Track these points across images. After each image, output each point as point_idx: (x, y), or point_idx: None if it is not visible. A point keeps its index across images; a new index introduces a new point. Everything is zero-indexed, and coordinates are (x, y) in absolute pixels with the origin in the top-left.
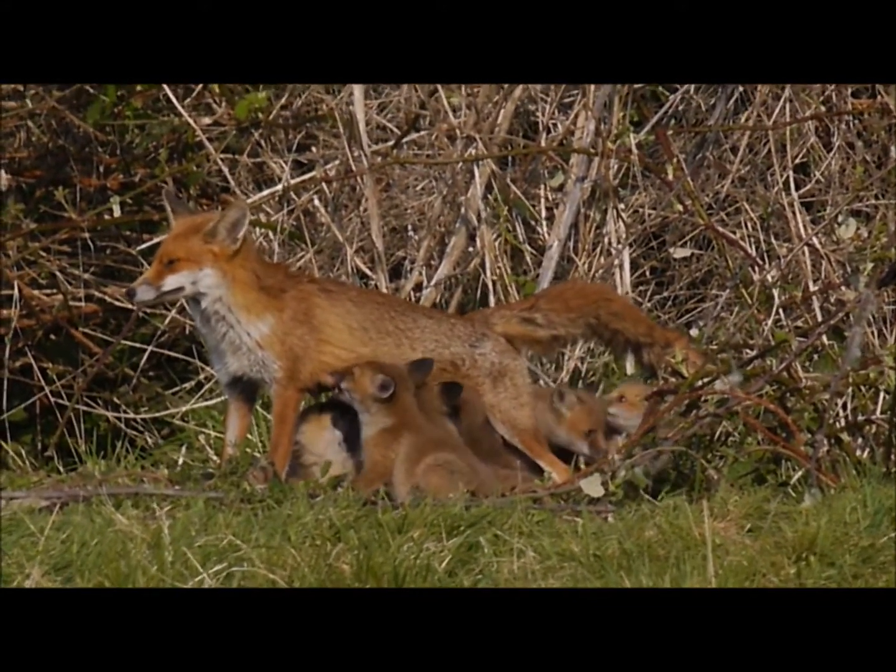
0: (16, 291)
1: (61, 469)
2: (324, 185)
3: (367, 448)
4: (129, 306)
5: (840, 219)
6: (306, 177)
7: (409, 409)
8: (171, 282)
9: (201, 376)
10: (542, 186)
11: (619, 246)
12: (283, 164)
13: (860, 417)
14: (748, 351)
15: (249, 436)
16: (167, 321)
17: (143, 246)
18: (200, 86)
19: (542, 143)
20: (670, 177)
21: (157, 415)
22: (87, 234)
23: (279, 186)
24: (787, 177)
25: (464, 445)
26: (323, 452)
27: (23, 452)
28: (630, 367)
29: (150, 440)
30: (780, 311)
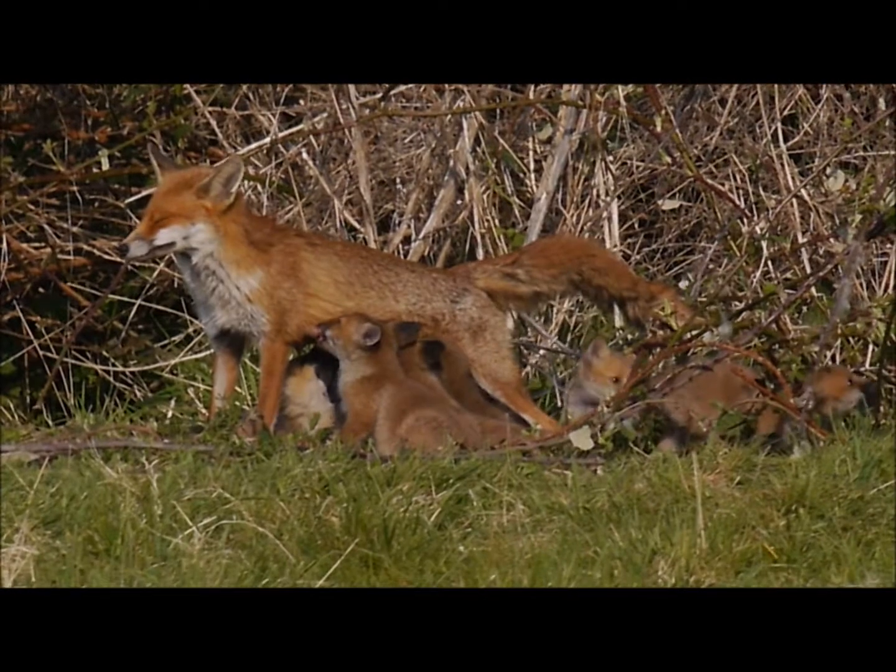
0: (4, 245)
1: (50, 422)
2: (312, 138)
3: (346, 397)
4: (118, 260)
5: (828, 171)
6: (294, 130)
7: (390, 363)
8: (162, 237)
9: (190, 330)
10: (531, 139)
11: (608, 198)
12: (271, 117)
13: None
14: (737, 303)
15: (238, 389)
16: (156, 274)
17: (132, 199)
18: None
19: (531, 96)
20: (659, 129)
21: (145, 368)
22: (75, 188)
23: (267, 139)
24: (776, 129)
25: (445, 398)
26: (307, 403)
27: (11, 406)
28: (618, 320)
29: (138, 393)
30: (769, 263)
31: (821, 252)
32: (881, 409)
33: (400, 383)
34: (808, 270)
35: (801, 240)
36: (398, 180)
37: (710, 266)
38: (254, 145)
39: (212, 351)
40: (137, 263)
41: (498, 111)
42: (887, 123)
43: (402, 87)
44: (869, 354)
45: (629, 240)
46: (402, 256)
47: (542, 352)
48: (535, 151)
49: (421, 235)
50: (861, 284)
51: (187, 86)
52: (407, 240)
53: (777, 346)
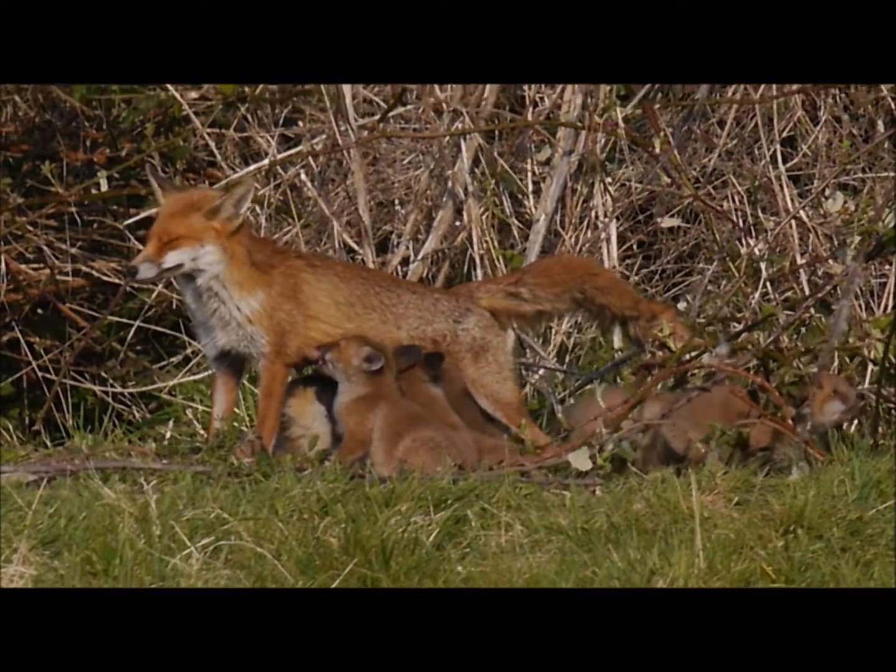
0: (3, 266)
1: (48, 443)
2: (310, 159)
3: (340, 417)
4: (117, 281)
5: (827, 192)
6: (293, 151)
7: (387, 385)
8: (171, 259)
9: (188, 350)
10: (529, 160)
11: (606, 219)
12: (270, 139)
13: None
14: (736, 324)
15: (237, 410)
16: (154, 296)
17: (130, 220)
18: None
19: (529, 117)
20: (657, 150)
21: (144, 389)
22: (73, 209)
23: (266, 161)
24: (774, 150)
25: (443, 414)
26: (310, 425)
27: (10, 427)
28: (617, 340)
29: (137, 414)
30: (768, 284)
31: (819, 273)
32: (879, 429)
33: (394, 403)
34: (807, 291)
35: (799, 261)
36: (397, 201)
37: (709, 287)
38: (252, 167)
39: (210, 372)
40: (136, 285)
41: (496, 132)
42: (886, 145)
43: (401, 109)
44: (868, 375)
45: (628, 261)
46: (399, 277)
47: (540, 372)
48: (533, 173)
49: (419, 257)
50: (860, 305)
51: (186, 107)
52: (405, 261)
53: (777, 367)
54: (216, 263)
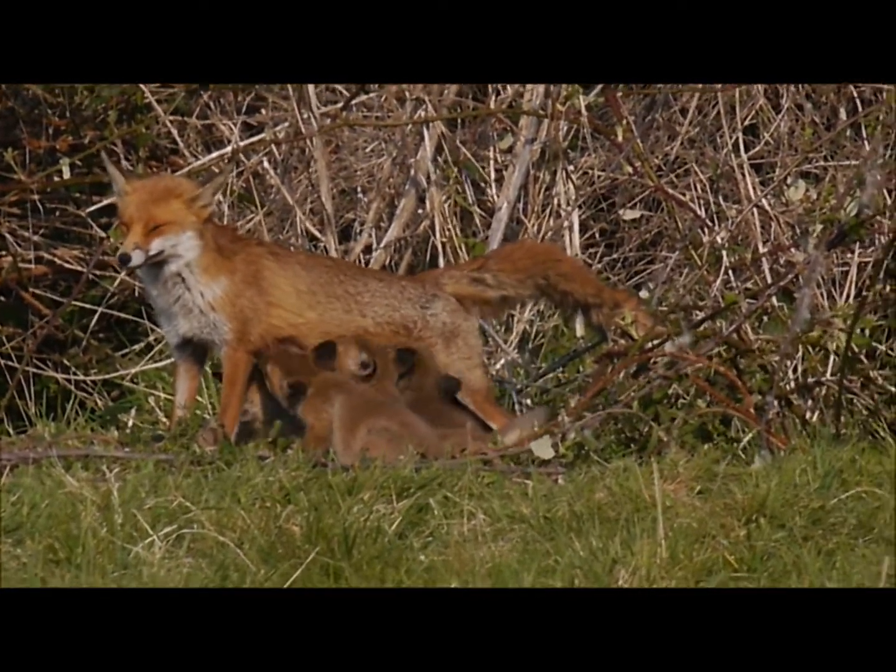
0: None
1: (11, 431)
2: (273, 147)
3: (301, 417)
4: (79, 268)
5: (789, 180)
6: (255, 139)
7: (327, 378)
8: (156, 245)
9: (151, 338)
10: (492, 148)
11: (569, 208)
12: (233, 126)
13: (810, 379)
14: (698, 313)
15: (199, 398)
16: (117, 283)
17: (93, 208)
18: None
19: (492, 105)
20: (620, 138)
21: (106, 377)
22: (36, 196)
23: (228, 149)
24: (737, 138)
25: (398, 403)
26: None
27: None
28: (579, 329)
29: (100, 402)
30: (730, 272)
31: (782, 262)
32: (841, 418)
33: (349, 391)
34: (769, 280)
35: (761, 249)
36: (359, 189)
37: (671, 276)
38: (215, 154)
39: (172, 360)
40: (98, 270)
41: (459, 120)
42: (848, 133)
43: (363, 97)
44: (830, 364)
45: (590, 249)
46: (366, 266)
47: (501, 361)
48: (496, 161)
49: (382, 244)
50: (822, 294)
51: (148, 94)
52: (368, 249)
53: (738, 356)
54: (192, 249)
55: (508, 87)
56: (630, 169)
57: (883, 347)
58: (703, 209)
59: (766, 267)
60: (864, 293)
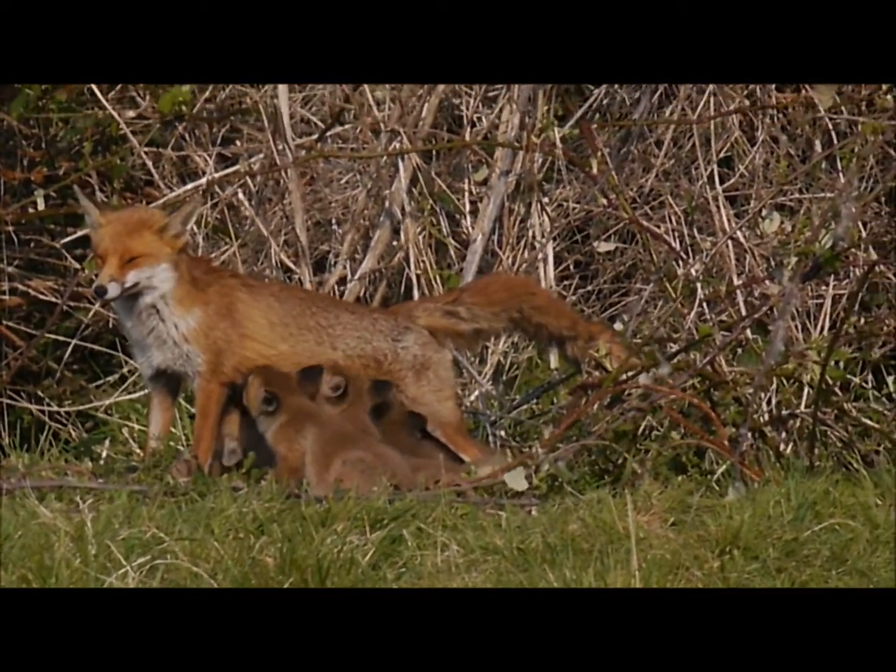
0: None
1: None
2: (248, 178)
3: (272, 445)
4: (53, 299)
5: (764, 213)
6: (230, 170)
7: (301, 407)
8: (132, 277)
9: (125, 369)
10: (467, 180)
11: (543, 240)
12: (207, 158)
13: (784, 411)
14: (672, 345)
15: (173, 429)
16: (91, 314)
17: (68, 239)
18: None
19: (467, 137)
20: (595, 170)
21: (80, 408)
22: (11, 228)
23: (203, 180)
24: (712, 171)
25: (371, 435)
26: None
27: None
28: (553, 360)
29: (73, 433)
30: (704, 304)
31: (756, 294)
32: (815, 450)
33: (322, 424)
34: (744, 312)
35: (736, 282)
36: (334, 221)
37: (645, 308)
38: (190, 186)
39: (147, 391)
40: (72, 302)
41: (434, 152)
42: (823, 165)
43: (339, 128)
44: (804, 396)
45: (565, 281)
46: (337, 297)
47: (476, 393)
48: (471, 193)
49: (356, 276)
50: (796, 327)
51: (123, 126)
52: (342, 280)
53: (712, 388)
54: (167, 281)
55: (483, 118)
56: (605, 201)
57: (857, 380)
58: (677, 241)
59: (740, 299)
60: (839, 326)
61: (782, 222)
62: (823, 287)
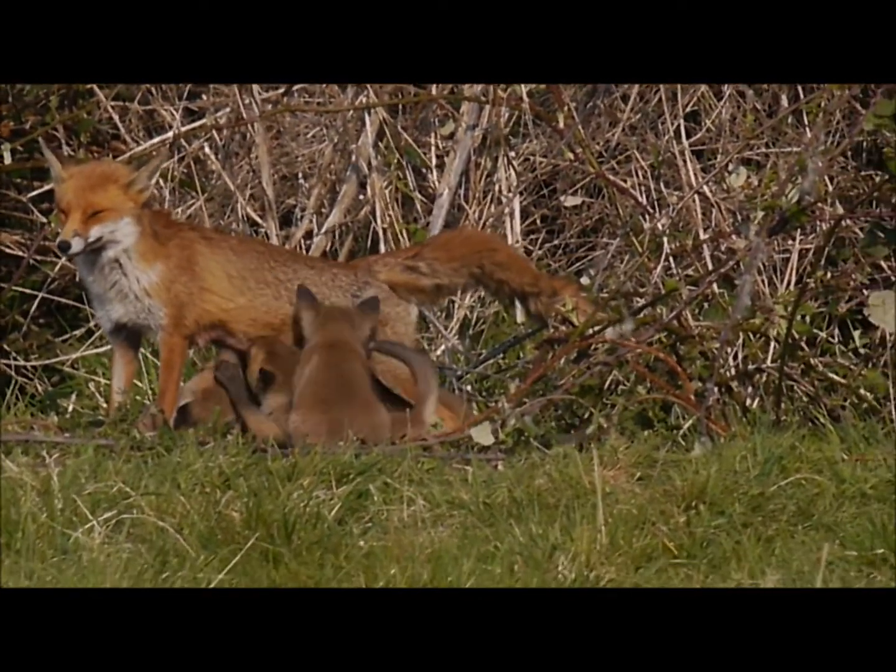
0: None
1: None
2: (214, 132)
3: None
4: (20, 253)
5: (730, 167)
6: (197, 124)
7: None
8: (95, 232)
9: (91, 323)
10: (433, 134)
11: (510, 194)
12: (174, 112)
13: (750, 366)
14: (638, 299)
15: (139, 383)
16: (57, 268)
17: (34, 193)
18: None
19: (433, 91)
20: (561, 125)
21: (47, 362)
22: None
23: (170, 134)
24: (678, 125)
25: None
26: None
27: None
28: (520, 315)
29: (40, 387)
30: (671, 259)
31: (722, 249)
32: (781, 405)
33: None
34: (710, 267)
35: (702, 236)
36: (300, 175)
37: (612, 262)
38: (156, 140)
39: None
40: (38, 256)
41: (400, 107)
42: (789, 120)
43: (305, 83)
44: (770, 351)
45: (531, 236)
46: (304, 251)
47: (442, 347)
48: (437, 147)
49: (323, 230)
50: (763, 281)
51: None
52: (309, 235)
53: (679, 342)
54: (130, 235)
55: None
56: (571, 155)
57: (823, 334)
58: (644, 196)
59: (707, 254)
60: (805, 280)
61: (749, 177)
62: (790, 241)
